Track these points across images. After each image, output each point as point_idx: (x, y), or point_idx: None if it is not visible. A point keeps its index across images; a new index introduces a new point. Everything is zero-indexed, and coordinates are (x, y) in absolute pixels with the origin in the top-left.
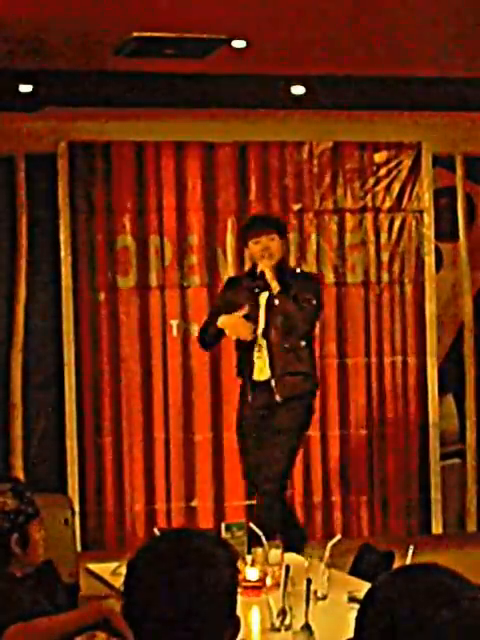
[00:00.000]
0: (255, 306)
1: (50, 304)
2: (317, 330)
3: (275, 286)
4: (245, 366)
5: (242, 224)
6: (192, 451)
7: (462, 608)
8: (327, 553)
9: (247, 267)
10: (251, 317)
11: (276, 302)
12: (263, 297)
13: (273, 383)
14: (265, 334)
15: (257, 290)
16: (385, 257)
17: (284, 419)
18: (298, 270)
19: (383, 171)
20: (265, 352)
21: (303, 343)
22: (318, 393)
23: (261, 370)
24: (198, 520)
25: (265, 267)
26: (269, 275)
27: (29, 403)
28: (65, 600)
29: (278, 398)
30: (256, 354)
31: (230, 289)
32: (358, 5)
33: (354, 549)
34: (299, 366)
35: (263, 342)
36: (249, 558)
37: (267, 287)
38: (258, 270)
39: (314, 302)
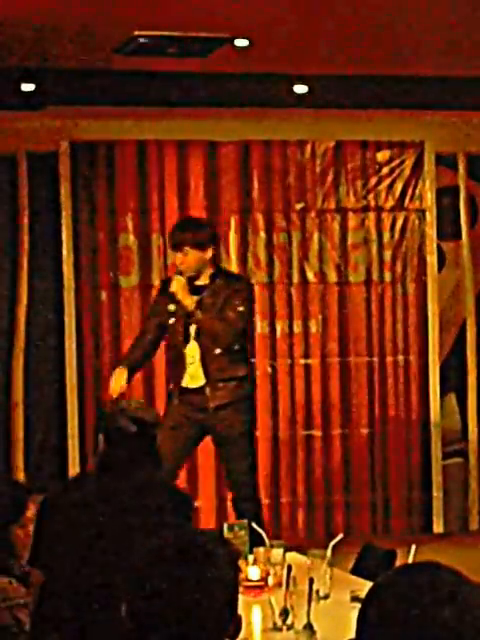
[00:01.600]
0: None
1: (52, 303)
2: (319, 328)
3: (189, 303)
4: (175, 371)
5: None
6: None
7: (463, 607)
8: (329, 552)
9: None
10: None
11: (198, 316)
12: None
13: (207, 391)
14: (196, 339)
15: (173, 309)
16: (387, 256)
17: (226, 428)
18: (229, 272)
19: (386, 170)
20: (197, 357)
21: (237, 347)
22: (320, 392)
23: (192, 377)
24: (200, 519)
25: (174, 288)
26: (180, 295)
27: (31, 402)
28: None
29: (211, 405)
30: (188, 360)
31: (165, 294)
32: (360, 4)
33: (356, 548)
34: (233, 371)
35: (195, 346)
36: (251, 557)
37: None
38: (170, 289)
39: (241, 309)
